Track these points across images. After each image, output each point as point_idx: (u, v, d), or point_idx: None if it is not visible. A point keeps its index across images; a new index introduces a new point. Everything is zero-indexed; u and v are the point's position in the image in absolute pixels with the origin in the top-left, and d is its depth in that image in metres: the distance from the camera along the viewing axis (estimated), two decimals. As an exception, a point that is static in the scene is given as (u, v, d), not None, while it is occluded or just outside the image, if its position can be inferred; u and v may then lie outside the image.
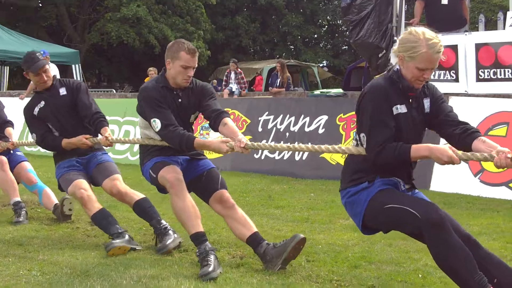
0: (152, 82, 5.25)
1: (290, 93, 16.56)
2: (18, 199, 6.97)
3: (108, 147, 6.02)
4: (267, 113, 11.04)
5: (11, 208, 7.00)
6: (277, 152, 10.49)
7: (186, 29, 37.69)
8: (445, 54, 4.09)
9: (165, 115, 5.05)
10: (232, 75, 18.56)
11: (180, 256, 5.33)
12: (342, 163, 8.86)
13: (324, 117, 10.24)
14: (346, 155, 4.46)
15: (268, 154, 10.58)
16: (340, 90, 13.38)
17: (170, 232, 5.60)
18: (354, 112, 9.79)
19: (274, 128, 10.70)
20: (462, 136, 3.93)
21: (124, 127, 12.91)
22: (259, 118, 11.08)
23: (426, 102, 4.13)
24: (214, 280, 4.53)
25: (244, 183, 9.44)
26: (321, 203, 7.87)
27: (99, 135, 6.01)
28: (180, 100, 5.23)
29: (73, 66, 22.69)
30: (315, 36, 47.94)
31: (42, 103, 6.19)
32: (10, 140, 7.05)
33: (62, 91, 6.24)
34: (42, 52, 15.13)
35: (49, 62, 14.94)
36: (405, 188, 4.16)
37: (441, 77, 9.91)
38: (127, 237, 5.56)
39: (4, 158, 7.14)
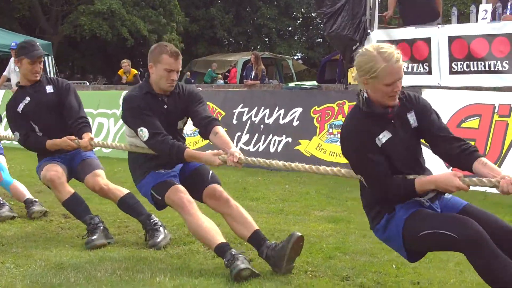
0: (136, 90, 5.10)
1: (265, 85, 16.57)
2: (30, 195, 6.80)
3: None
4: (241, 105, 11.02)
5: None
6: (252, 144, 10.49)
7: (159, 21, 37.54)
8: (418, 46, 4.09)
9: (152, 124, 4.87)
10: None
11: (154, 249, 5.31)
12: (317, 156, 8.92)
13: (299, 109, 10.26)
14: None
15: (243, 146, 10.58)
16: (315, 83, 13.44)
17: (161, 228, 5.48)
18: (328, 105, 9.91)
19: (249, 120, 10.70)
20: (462, 156, 3.72)
21: (97, 119, 12.85)
22: (234, 111, 11.07)
23: (411, 117, 3.88)
24: (244, 273, 4.37)
25: (219, 175, 9.33)
26: (295, 194, 7.91)
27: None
28: (166, 106, 5.03)
29: (46, 58, 22.46)
30: (290, 28, 48.02)
31: (27, 99, 5.91)
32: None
33: (49, 88, 5.98)
34: (14, 43, 15.01)
35: None
36: (430, 202, 3.89)
37: (414, 70, 9.98)
38: (102, 227, 5.49)
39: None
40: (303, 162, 9.44)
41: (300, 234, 4.67)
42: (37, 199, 6.70)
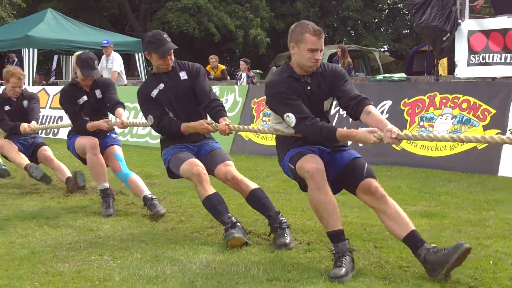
0: (277, 74, 4.88)
1: (352, 78, 16.42)
2: (107, 185, 6.82)
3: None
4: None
5: (98, 194, 6.87)
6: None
7: (246, 16, 37.78)
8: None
9: (298, 108, 4.66)
10: (244, 77, 16.98)
11: (249, 245, 5.34)
12: (408, 149, 8.77)
13: (388, 102, 10.12)
14: None
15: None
16: (403, 75, 13.25)
17: (287, 230, 5.26)
18: (418, 97, 9.73)
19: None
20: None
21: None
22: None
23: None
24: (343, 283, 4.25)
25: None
26: (387, 189, 7.62)
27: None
28: (309, 87, 4.77)
29: (136, 54, 22.99)
30: (376, 20, 47.40)
31: (161, 85, 5.84)
32: (120, 118, 6.82)
33: (183, 75, 5.92)
34: (105, 41, 15.42)
35: (113, 52, 15.16)
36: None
37: (508, 60, 9.69)
38: (239, 227, 5.27)
39: (96, 142, 6.92)
40: (394, 156, 9.38)
41: (468, 246, 4.34)
42: (155, 196, 6.61)
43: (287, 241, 5.14)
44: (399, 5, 46.45)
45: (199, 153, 5.84)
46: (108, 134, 7.21)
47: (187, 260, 4.76)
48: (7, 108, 8.23)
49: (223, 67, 18.51)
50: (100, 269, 4.61)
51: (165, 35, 5.85)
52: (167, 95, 5.80)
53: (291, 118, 4.66)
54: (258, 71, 32.74)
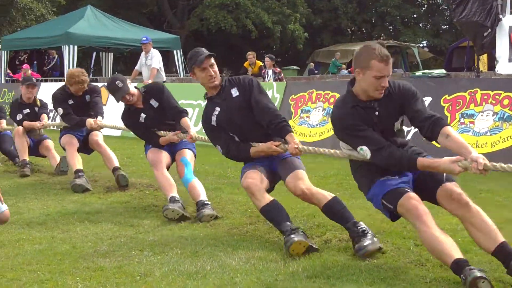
0: (340, 106, 4.63)
1: (391, 74, 16.29)
2: (175, 194, 6.44)
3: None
4: (368, 95, 10.87)
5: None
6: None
7: (283, 12, 37.75)
8: None
9: (370, 139, 4.47)
10: (270, 74, 16.52)
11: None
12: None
13: (428, 99, 10.00)
14: None
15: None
16: (443, 71, 13.10)
17: (369, 235, 4.91)
18: (459, 93, 9.61)
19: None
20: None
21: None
22: (361, 101, 10.92)
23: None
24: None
25: (346, 165, 9.34)
26: None
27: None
28: (377, 113, 4.55)
29: (174, 51, 23.12)
30: (414, 15, 46.95)
31: (217, 109, 5.59)
32: (188, 132, 6.63)
33: (234, 92, 5.60)
34: (145, 38, 15.54)
35: (152, 49, 15.25)
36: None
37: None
38: (301, 233, 4.99)
39: (160, 158, 6.78)
40: (435, 153, 9.26)
41: None
42: (209, 202, 6.36)
43: (365, 243, 4.80)
44: (438, 0, 46.00)
45: (272, 163, 5.54)
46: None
47: (226, 256, 4.78)
48: (70, 102, 8.31)
49: (260, 63, 18.47)
50: (141, 264, 4.66)
51: (203, 49, 5.68)
52: (224, 119, 5.55)
53: (365, 151, 4.48)
54: (295, 67, 32.76)
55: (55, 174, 8.98)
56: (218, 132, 5.63)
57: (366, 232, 4.91)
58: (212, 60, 5.57)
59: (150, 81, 13.97)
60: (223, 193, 7.11)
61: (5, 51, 23.11)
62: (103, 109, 8.56)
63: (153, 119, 6.86)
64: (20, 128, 9.42)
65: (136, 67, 15.93)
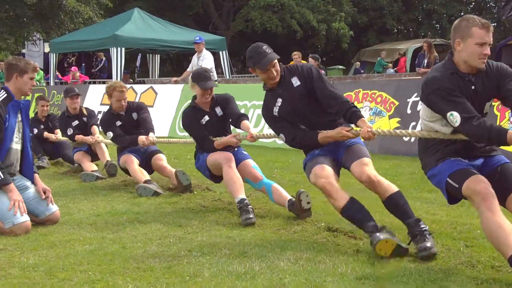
0: (439, 70, 4.49)
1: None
2: (244, 196, 6.31)
3: None
4: (416, 94, 10.76)
5: (236, 207, 6.33)
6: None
7: (328, 10, 37.61)
8: None
9: (464, 106, 4.30)
10: None
11: (335, 240, 5.34)
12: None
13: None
14: None
15: (418, 137, 10.33)
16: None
17: (429, 236, 4.78)
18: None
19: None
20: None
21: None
22: (408, 100, 10.84)
23: None
24: None
25: (394, 166, 9.30)
26: None
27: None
28: (473, 87, 4.43)
29: (220, 52, 23.21)
30: (462, 13, 46.26)
31: (279, 101, 5.47)
32: (248, 132, 6.54)
33: (295, 81, 5.46)
34: (198, 37, 15.67)
35: (204, 49, 15.36)
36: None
37: None
38: (386, 229, 4.86)
39: (230, 155, 6.64)
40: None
41: None
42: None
43: (428, 244, 4.68)
44: (486, -2, 45.29)
45: (338, 152, 5.41)
46: (236, 149, 6.89)
47: (275, 257, 4.78)
48: (118, 123, 8.29)
49: (306, 63, 18.43)
50: (190, 264, 4.68)
51: (265, 47, 5.47)
52: (287, 109, 5.43)
53: (455, 117, 4.30)
54: (340, 66, 32.64)
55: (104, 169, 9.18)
56: (281, 121, 5.50)
57: (428, 232, 4.80)
58: (275, 61, 5.43)
59: None
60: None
61: (54, 54, 23.54)
62: (152, 124, 8.44)
63: (212, 125, 6.82)
64: (79, 153, 9.60)
65: (188, 69, 16.03)
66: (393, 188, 5.08)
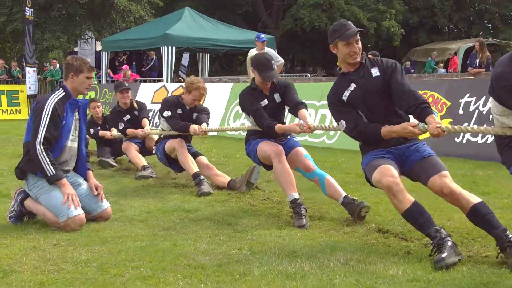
0: (508, 65, 4.35)
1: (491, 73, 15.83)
2: (297, 195, 6.23)
3: None
4: (468, 94, 10.60)
5: (289, 206, 6.25)
6: (480, 135, 10.03)
7: (378, 8, 37.33)
8: None
9: None
10: None
11: (385, 241, 5.30)
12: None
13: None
14: None
15: (470, 138, 10.19)
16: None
17: None
18: None
19: (477, 110, 10.26)
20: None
21: (320, 111, 13.03)
22: (460, 100, 10.68)
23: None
24: None
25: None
26: None
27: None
28: None
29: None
30: (515, 13, 45.48)
31: (353, 86, 5.28)
32: (306, 122, 6.24)
33: (375, 71, 5.27)
34: (262, 35, 15.75)
35: (265, 47, 15.44)
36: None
37: None
38: (450, 243, 4.64)
39: (281, 149, 6.47)
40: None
41: None
42: (356, 198, 6.23)
43: None
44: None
45: (407, 159, 5.19)
46: (289, 137, 6.79)
47: (325, 257, 4.76)
48: (179, 111, 8.31)
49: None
50: (240, 263, 4.70)
51: (349, 22, 5.33)
52: (359, 96, 5.23)
53: None
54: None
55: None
56: (347, 107, 5.29)
57: None
58: (358, 36, 5.25)
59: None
60: (319, 193, 7.05)
61: (106, 52, 23.89)
62: (208, 121, 8.36)
63: (269, 110, 6.60)
64: (129, 146, 9.62)
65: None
66: (476, 199, 4.86)
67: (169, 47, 21.04)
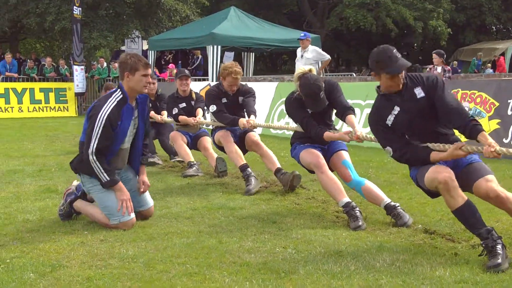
0: None
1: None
2: (347, 199, 6.08)
3: None
4: (517, 95, 10.43)
5: (342, 211, 6.13)
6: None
7: (425, 8, 36.94)
8: None
9: None
10: (440, 72, 15.58)
11: (432, 242, 5.24)
12: None
13: None
14: None
15: (518, 139, 10.02)
16: None
17: None
18: None
19: None
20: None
21: (365, 111, 12.94)
22: (509, 101, 10.51)
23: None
24: None
25: (493, 168, 9.02)
26: None
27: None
28: None
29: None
30: None
31: (397, 109, 5.04)
32: (355, 131, 6.07)
33: (418, 92, 5.02)
34: (302, 34, 15.78)
35: (309, 45, 15.43)
36: None
37: None
38: (500, 246, 4.58)
39: (322, 161, 6.31)
40: None
41: None
42: (398, 204, 6.02)
43: None
44: None
45: (456, 166, 5.02)
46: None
47: (370, 257, 4.74)
48: (224, 100, 8.18)
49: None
50: (285, 261, 4.70)
51: (395, 51, 5.00)
52: (404, 120, 5.01)
53: None
54: (437, 66, 31.92)
55: (215, 176, 8.76)
56: (391, 133, 5.09)
57: None
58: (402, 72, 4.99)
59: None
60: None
61: (152, 51, 24.09)
62: (255, 108, 8.19)
63: (317, 114, 6.36)
64: (175, 134, 9.53)
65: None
66: None
67: (215, 46, 21.13)
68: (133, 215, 5.91)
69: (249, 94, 8.28)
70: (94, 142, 5.74)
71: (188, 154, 9.27)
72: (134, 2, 28.32)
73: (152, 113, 10.22)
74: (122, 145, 6.00)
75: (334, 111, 6.53)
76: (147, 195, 6.29)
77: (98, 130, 5.73)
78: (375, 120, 5.17)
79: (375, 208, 6.41)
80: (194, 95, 9.85)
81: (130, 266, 4.64)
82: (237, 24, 22.78)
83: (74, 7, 23.47)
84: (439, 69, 15.59)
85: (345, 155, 6.46)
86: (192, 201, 7.07)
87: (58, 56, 35.33)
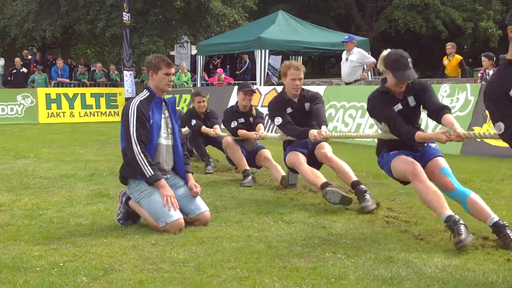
0: None
1: None
2: (450, 212, 5.40)
3: None
4: None
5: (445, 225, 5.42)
6: None
7: (475, 9, 36.38)
8: None
9: None
10: (491, 75, 14.95)
11: (484, 248, 5.17)
12: None
13: None
14: None
15: None
16: None
17: None
18: None
19: None
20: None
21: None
22: None
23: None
24: None
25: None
26: None
27: None
28: None
29: (365, 54, 23.08)
30: None
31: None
32: (454, 129, 5.35)
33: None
34: (346, 37, 15.84)
35: (355, 48, 15.47)
36: None
37: None
38: None
39: (419, 168, 5.72)
40: None
41: None
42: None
43: None
44: None
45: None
46: (426, 145, 5.98)
47: (421, 263, 4.70)
48: (289, 110, 7.60)
49: (460, 57, 17.63)
50: (335, 266, 4.69)
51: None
52: None
53: None
54: (487, 68, 31.40)
55: (281, 188, 8.27)
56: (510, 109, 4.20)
57: None
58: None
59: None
60: (415, 198, 6.93)
61: (201, 56, 24.28)
62: (325, 116, 7.65)
63: (403, 116, 5.78)
64: (229, 138, 9.13)
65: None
66: None
67: (263, 51, 21.19)
68: (179, 215, 5.96)
69: (317, 100, 7.65)
70: (133, 133, 5.98)
71: (243, 159, 8.91)
72: (183, 7, 28.59)
73: (204, 128, 10.23)
74: (159, 139, 6.18)
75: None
76: (200, 199, 6.33)
77: (133, 121, 6.00)
78: (496, 89, 4.27)
79: (425, 213, 6.34)
80: (254, 111, 9.29)
81: (181, 270, 4.68)
82: (285, 28, 22.79)
83: (124, 13, 23.83)
84: (490, 72, 15.28)
85: (443, 162, 5.82)
86: (241, 206, 7.10)
87: (108, 62, 35.90)
